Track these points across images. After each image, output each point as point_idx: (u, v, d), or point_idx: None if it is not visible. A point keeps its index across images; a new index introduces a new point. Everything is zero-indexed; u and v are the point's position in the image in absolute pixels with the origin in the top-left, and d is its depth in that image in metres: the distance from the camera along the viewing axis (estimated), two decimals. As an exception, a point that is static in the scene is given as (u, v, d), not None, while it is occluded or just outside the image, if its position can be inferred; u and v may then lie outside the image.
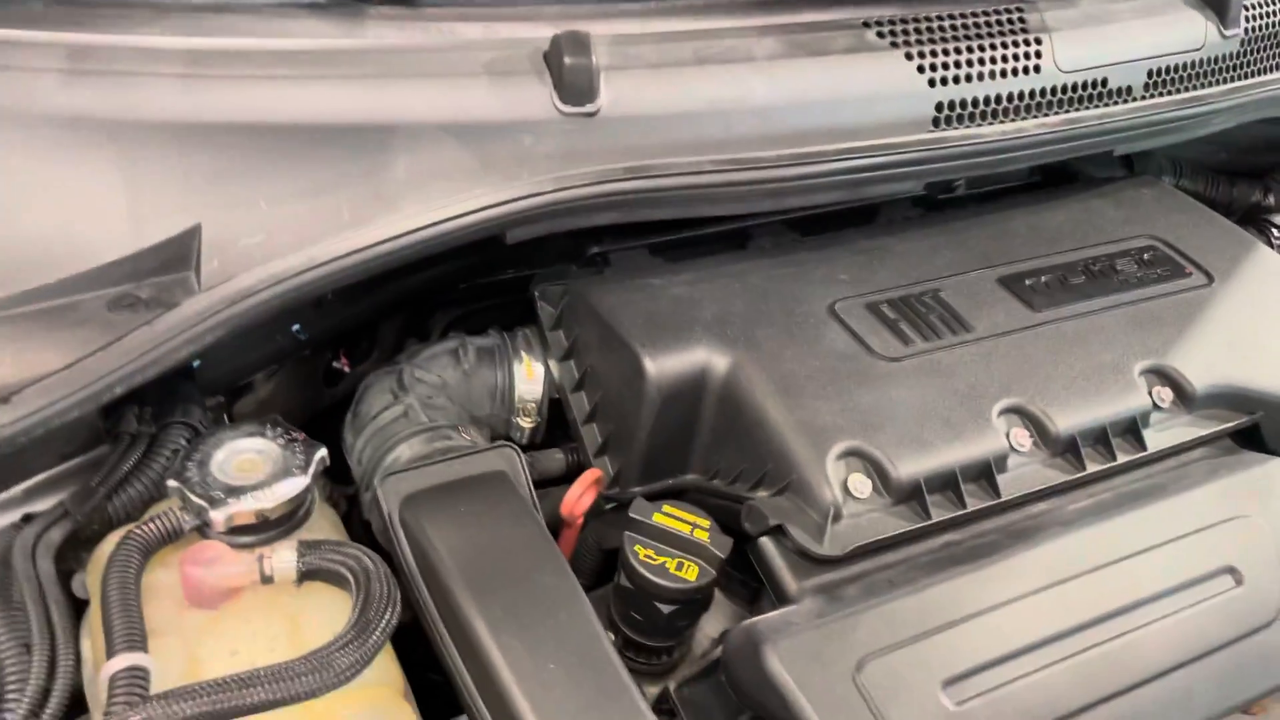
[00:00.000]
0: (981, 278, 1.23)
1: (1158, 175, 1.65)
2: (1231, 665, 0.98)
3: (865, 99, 1.21)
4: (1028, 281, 1.23)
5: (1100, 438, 1.08)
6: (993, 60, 1.28)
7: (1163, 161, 1.68)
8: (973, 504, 1.01)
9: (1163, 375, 1.14)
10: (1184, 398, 1.14)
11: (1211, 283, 1.28)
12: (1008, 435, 1.05)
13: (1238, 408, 1.16)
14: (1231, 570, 1.01)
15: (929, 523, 0.98)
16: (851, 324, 1.12)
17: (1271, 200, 1.71)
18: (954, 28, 1.28)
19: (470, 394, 1.16)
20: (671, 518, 0.98)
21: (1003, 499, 1.02)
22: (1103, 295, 1.23)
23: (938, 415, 1.04)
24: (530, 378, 1.17)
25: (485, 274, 1.32)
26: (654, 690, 1.00)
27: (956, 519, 1.00)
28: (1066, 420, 1.07)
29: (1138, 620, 0.96)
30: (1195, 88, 1.44)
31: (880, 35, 1.24)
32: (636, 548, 0.96)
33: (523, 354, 1.18)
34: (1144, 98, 1.40)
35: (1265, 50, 1.52)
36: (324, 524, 0.98)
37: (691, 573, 0.95)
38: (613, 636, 0.93)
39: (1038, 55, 1.31)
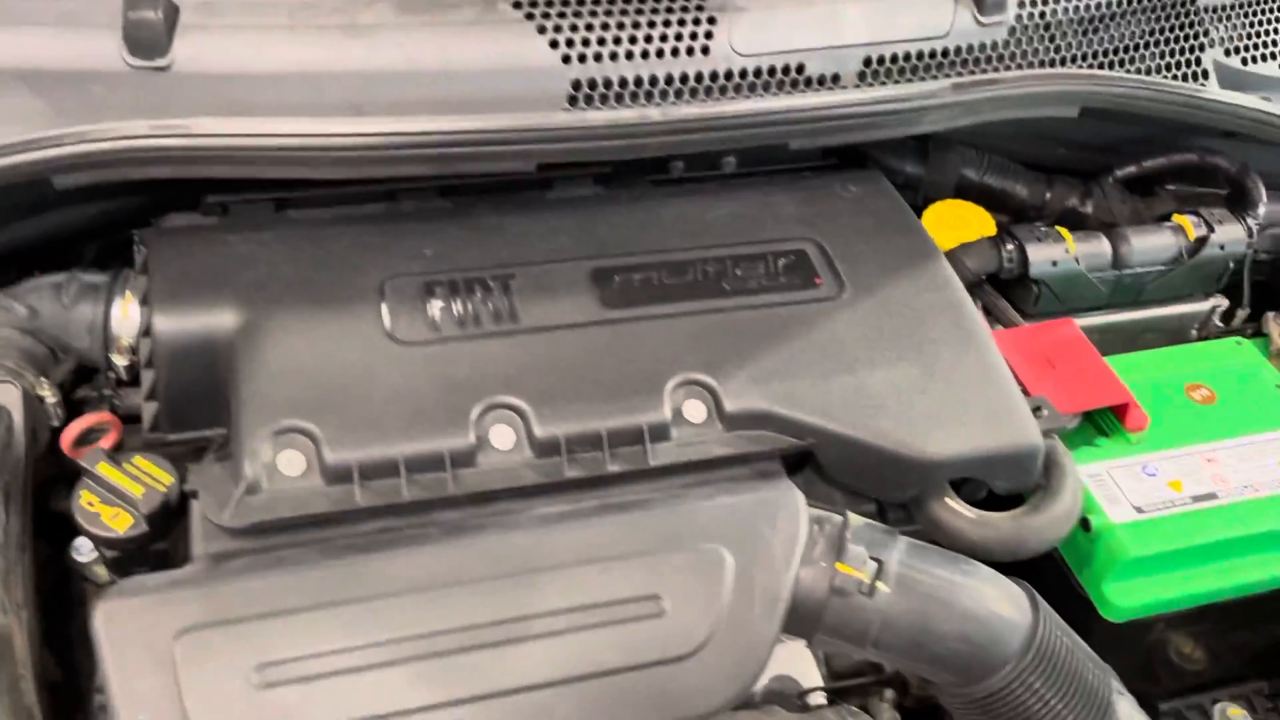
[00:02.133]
0: (576, 268, 1.20)
1: (957, 165, 1.55)
2: (623, 693, 0.97)
3: (483, 73, 1.20)
4: (618, 278, 1.20)
5: (595, 444, 1.07)
6: (648, 39, 1.23)
7: (966, 151, 1.56)
8: (416, 494, 1.02)
9: (701, 390, 1.11)
10: (722, 415, 1.10)
11: (835, 299, 1.21)
12: (483, 432, 1.05)
13: (788, 433, 1.11)
14: (654, 599, 0.99)
15: (354, 508, 1.00)
16: (390, 303, 1.13)
17: (1089, 208, 1.56)
18: (609, 1, 1.23)
19: (68, 327, 1.22)
20: (120, 469, 1.04)
21: (451, 494, 1.03)
22: (694, 299, 1.18)
23: (411, 405, 1.04)
24: (125, 317, 1.22)
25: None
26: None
27: (396, 506, 1.02)
28: (557, 425, 1.06)
29: (521, 632, 0.96)
30: (933, 78, 1.34)
31: (517, 5, 1.21)
32: (84, 493, 1.03)
33: (127, 293, 1.24)
34: (858, 86, 1.31)
35: (1042, 42, 1.39)
36: None
37: (122, 523, 1.02)
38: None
39: (708, 36, 1.25)
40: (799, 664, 1.21)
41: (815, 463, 1.14)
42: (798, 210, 1.32)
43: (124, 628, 0.91)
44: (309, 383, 1.05)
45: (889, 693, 1.24)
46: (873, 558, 1.04)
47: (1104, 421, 1.30)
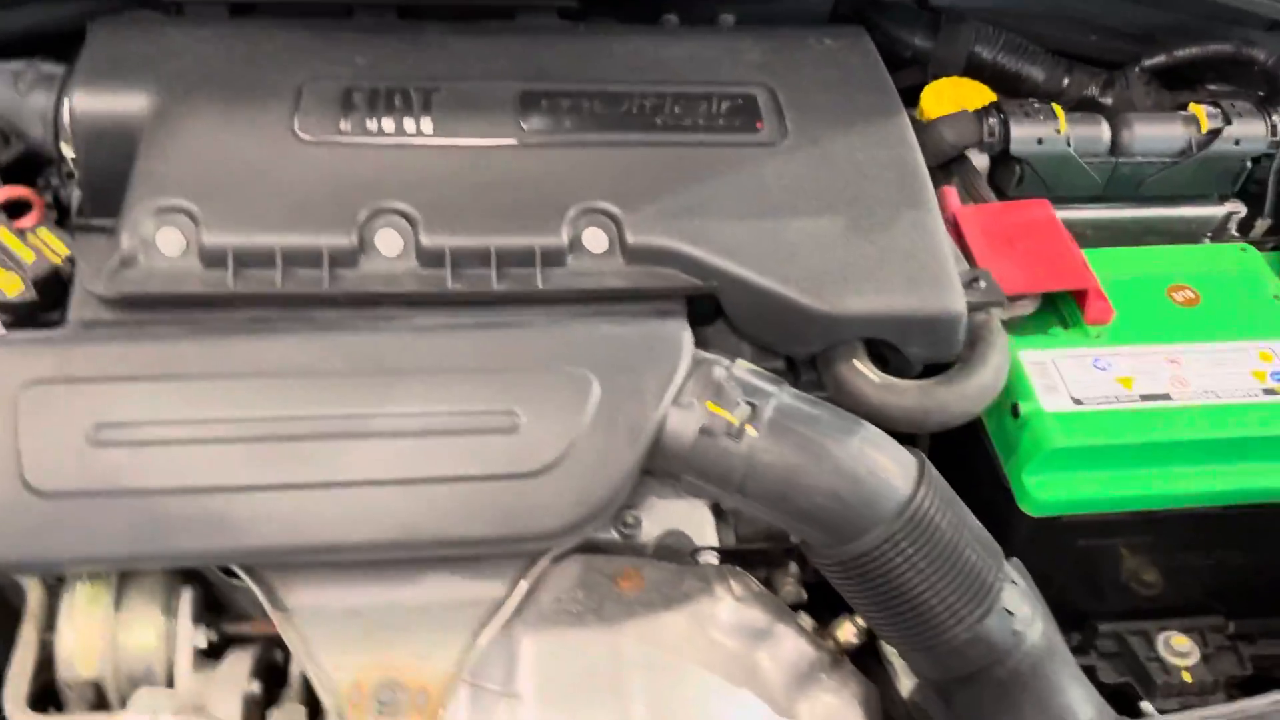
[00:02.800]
0: (505, 88, 1.16)
1: (969, 41, 1.44)
2: (465, 501, 0.95)
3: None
4: (545, 102, 1.15)
5: (483, 260, 1.03)
6: None
7: (981, 28, 1.46)
8: (291, 288, 1.01)
9: (605, 219, 1.06)
10: (623, 248, 1.06)
11: (773, 145, 1.14)
12: (369, 235, 1.03)
13: (691, 272, 1.06)
14: (510, 414, 0.96)
15: (226, 292, 1.00)
16: (303, 102, 1.11)
17: (1109, 99, 1.44)
18: None
19: (21, 114, 1.24)
20: (20, 238, 1.06)
21: (328, 292, 1.01)
22: (620, 131, 1.13)
23: (300, 200, 1.03)
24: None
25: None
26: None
27: (273, 300, 1.01)
28: (446, 236, 1.03)
29: (366, 428, 0.95)
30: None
31: None
32: (-19, 253, 1.05)
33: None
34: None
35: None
36: None
37: (12, 287, 1.04)
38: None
39: None
40: (700, 525, 1.17)
41: (725, 314, 1.08)
42: (761, 57, 1.25)
43: (-23, 378, 0.93)
44: (203, 168, 1.04)
45: (793, 566, 1.19)
46: (748, 402, 0.98)
47: (1068, 312, 1.21)
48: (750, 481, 0.98)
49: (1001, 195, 1.31)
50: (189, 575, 1.05)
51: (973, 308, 1.09)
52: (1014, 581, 1.02)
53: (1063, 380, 1.14)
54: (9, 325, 1.07)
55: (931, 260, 1.08)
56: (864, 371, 1.07)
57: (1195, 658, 1.23)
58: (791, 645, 1.08)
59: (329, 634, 0.98)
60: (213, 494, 0.91)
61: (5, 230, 1.05)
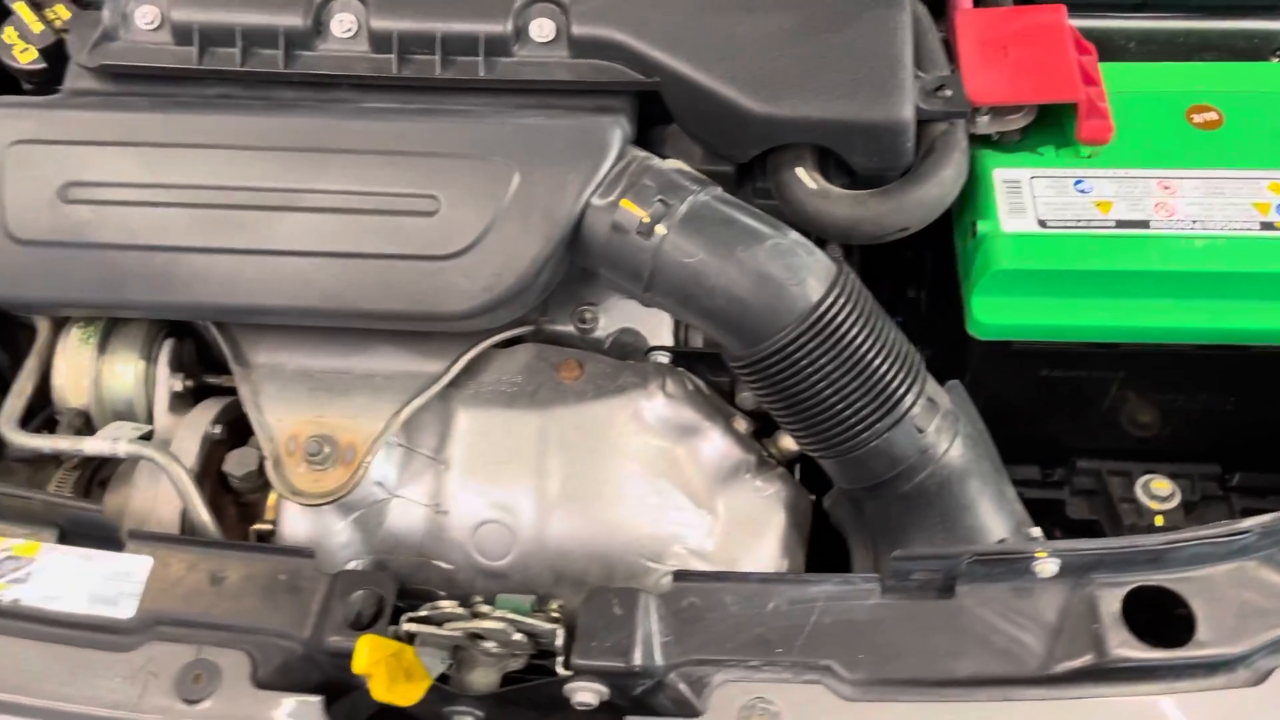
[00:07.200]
0: None
1: None
2: (381, 277, 1.01)
3: None
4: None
5: (429, 46, 1.06)
6: None
7: None
8: (252, 66, 1.07)
9: (553, 8, 1.06)
10: (570, 39, 1.06)
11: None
12: (325, 18, 1.07)
13: (635, 68, 1.05)
14: (431, 198, 1.00)
15: (193, 68, 1.07)
16: None
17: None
18: None
19: None
20: (38, 13, 1.15)
21: (284, 71, 1.07)
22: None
23: None
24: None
25: None
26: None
27: (230, 74, 1.07)
28: (394, 20, 1.06)
29: (296, 202, 1.01)
30: None
31: None
32: (7, 29, 1.16)
33: None
34: None
35: None
36: None
37: (27, 56, 1.14)
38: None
39: None
40: (656, 326, 1.20)
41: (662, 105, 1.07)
42: None
43: (-29, 134, 1.04)
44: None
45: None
46: (662, 200, 0.99)
47: (1070, 130, 1.12)
48: (658, 278, 0.99)
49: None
50: (183, 329, 1.18)
51: (930, 117, 1.04)
52: (931, 400, 1.01)
53: (1033, 201, 1.07)
54: (30, 93, 1.19)
55: (882, 64, 1.02)
56: (801, 178, 1.04)
57: (1175, 503, 1.19)
58: (718, 443, 1.11)
59: (277, 390, 1.08)
60: (158, 253, 1.01)
61: (24, 4, 1.15)
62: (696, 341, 1.21)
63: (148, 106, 1.06)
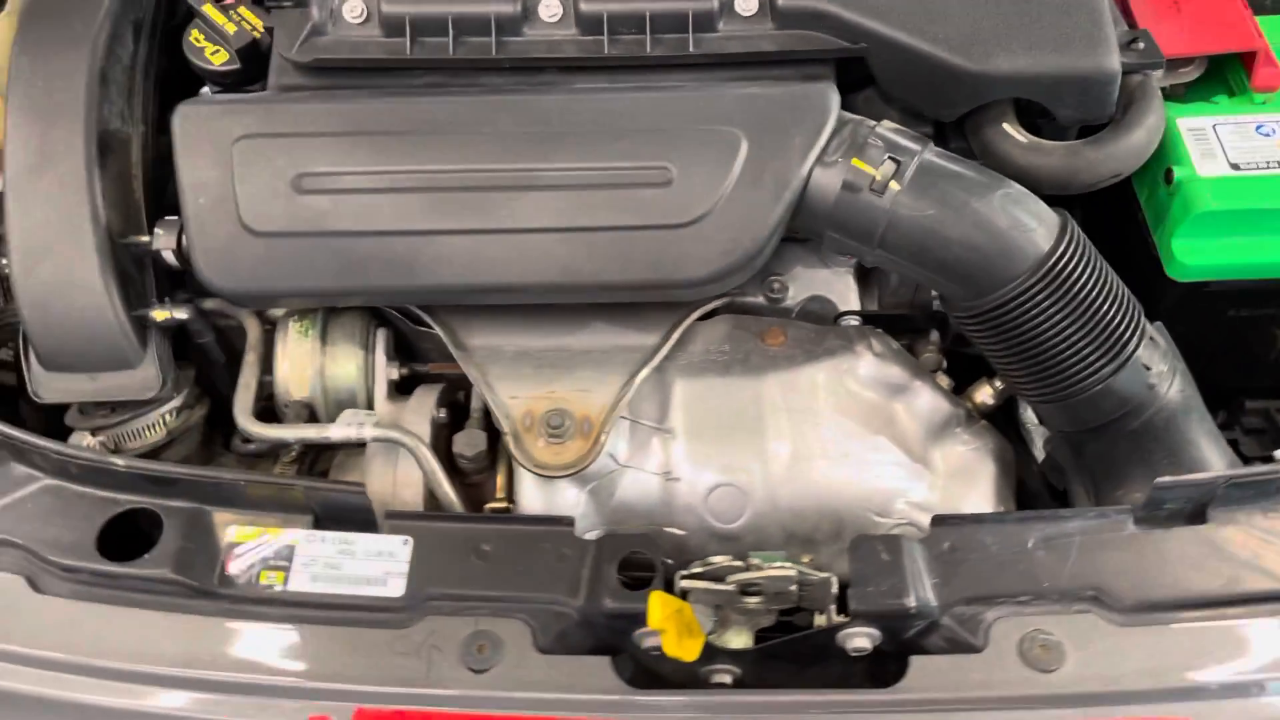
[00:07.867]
0: None
1: None
2: (620, 248, 1.03)
3: None
4: None
5: (638, 25, 1.08)
6: None
7: None
8: (463, 54, 1.09)
9: (755, -19, 1.09)
10: (774, 10, 1.09)
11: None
12: (534, 3, 1.09)
13: (840, 35, 1.08)
14: (663, 169, 1.03)
15: (405, 58, 1.08)
16: None
17: None
18: None
19: None
20: (225, 14, 1.16)
21: (496, 57, 1.09)
22: (773, -105, 1.14)
23: None
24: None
25: None
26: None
27: (440, 62, 1.09)
28: (604, 2, 1.08)
29: (533, 181, 1.03)
30: None
31: None
32: (193, 31, 1.16)
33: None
34: None
35: None
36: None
37: (220, 58, 1.15)
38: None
39: None
40: (844, 291, 1.23)
41: (875, 81, 1.11)
42: None
43: (194, 129, 1.05)
44: (382, -57, 1.12)
45: (934, 333, 1.24)
46: (892, 158, 1.02)
47: (1235, 81, 1.17)
48: (891, 234, 1.02)
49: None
50: (382, 322, 1.19)
51: (1129, 69, 1.08)
52: (1153, 339, 1.05)
53: (1221, 146, 1.12)
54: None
55: (1086, 18, 1.06)
56: (1011, 133, 1.08)
57: (1343, 436, 1.24)
58: (928, 399, 1.14)
59: (503, 370, 1.10)
60: (399, 237, 1.02)
61: (211, 6, 1.16)
62: (872, 305, 1.24)
63: (367, 96, 1.08)
